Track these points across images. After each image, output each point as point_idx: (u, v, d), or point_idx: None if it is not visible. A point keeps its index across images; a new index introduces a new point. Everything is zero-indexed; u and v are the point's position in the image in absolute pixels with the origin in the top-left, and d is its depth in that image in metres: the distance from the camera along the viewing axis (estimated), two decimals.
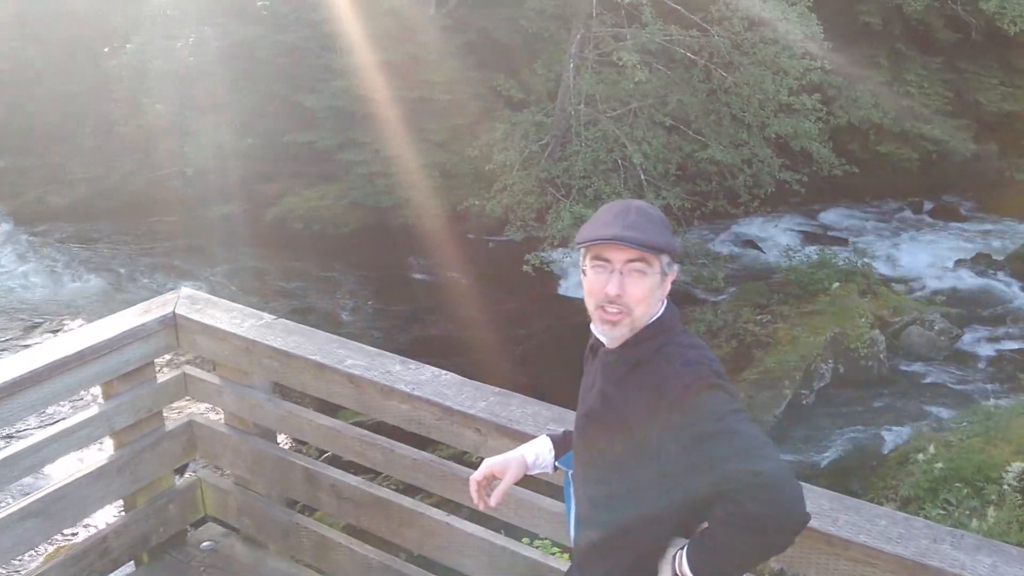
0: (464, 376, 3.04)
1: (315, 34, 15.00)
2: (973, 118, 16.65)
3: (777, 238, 15.66)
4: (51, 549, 5.59)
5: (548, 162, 13.61)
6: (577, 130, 13.25)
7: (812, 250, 13.92)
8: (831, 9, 14.03)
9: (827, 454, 10.38)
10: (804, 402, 11.09)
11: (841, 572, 2.25)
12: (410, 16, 14.90)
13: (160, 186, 15.54)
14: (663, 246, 2.08)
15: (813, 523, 2.19)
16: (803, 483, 2.30)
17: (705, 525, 2.07)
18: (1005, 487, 8.25)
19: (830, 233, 15.93)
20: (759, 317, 12.07)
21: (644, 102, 13.30)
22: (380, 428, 3.38)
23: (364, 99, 14.50)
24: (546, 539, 3.42)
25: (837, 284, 12.04)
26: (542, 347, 11.98)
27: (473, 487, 2.35)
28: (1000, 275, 14.16)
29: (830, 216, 16.62)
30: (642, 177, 13.00)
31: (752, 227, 16.01)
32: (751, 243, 15.60)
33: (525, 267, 12.46)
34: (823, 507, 2.30)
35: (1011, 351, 12.17)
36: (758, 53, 12.75)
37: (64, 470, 4.18)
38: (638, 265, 2.06)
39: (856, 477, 9.92)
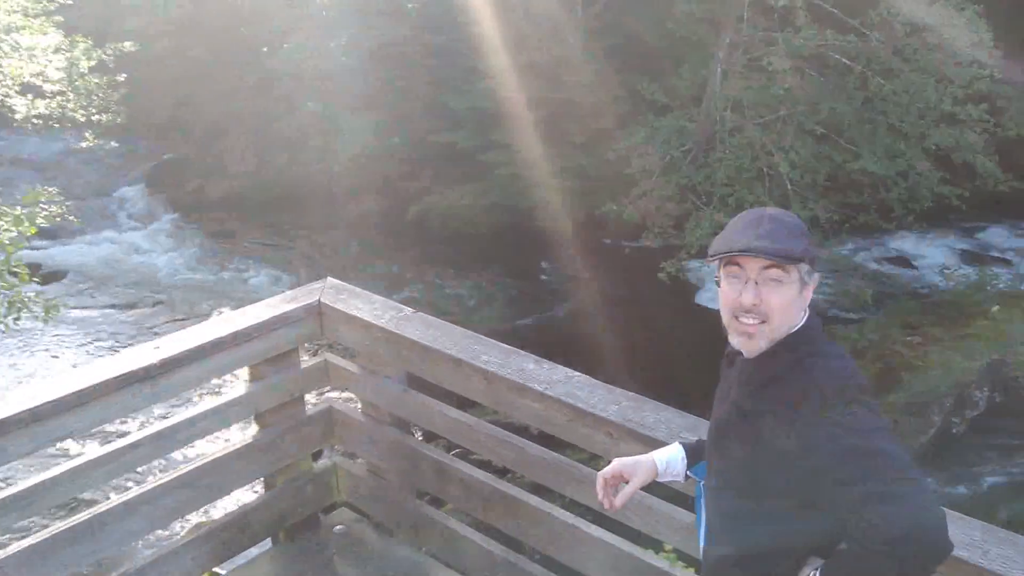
0: (597, 380, 3.01)
1: (463, 36, 15.29)
2: None
3: (933, 256, 14.84)
4: (196, 520, 5.92)
5: (689, 169, 13.39)
6: (721, 136, 12.99)
7: (971, 270, 13.14)
8: (1005, 14, 13.18)
9: (978, 488, 9.77)
10: (954, 431, 10.45)
11: None
12: (556, 18, 14.98)
13: (309, 181, 16.21)
14: (799, 254, 2.00)
15: (962, 553, 2.08)
16: (953, 511, 2.17)
17: (843, 546, 1.98)
18: None
19: (992, 253, 14.96)
20: (909, 338, 11.49)
21: (794, 109, 12.89)
22: (511, 427, 3.40)
23: (507, 101, 14.68)
24: (673, 549, 3.35)
25: (997, 307, 11.35)
26: (676, 355, 11.79)
27: (600, 484, 2.33)
28: None
29: (993, 234, 15.60)
30: (788, 187, 12.61)
31: (906, 243, 15.22)
32: (904, 260, 14.84)
33: (661, 275, 12.30)
34: (974, 538, 2.17)
35: None
36: (920, 59, 12.16)
37: (212, 447, 4.40)
38: (774, 273, 1.99)
39: (1010, 515, 9.29)
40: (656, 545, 3.13)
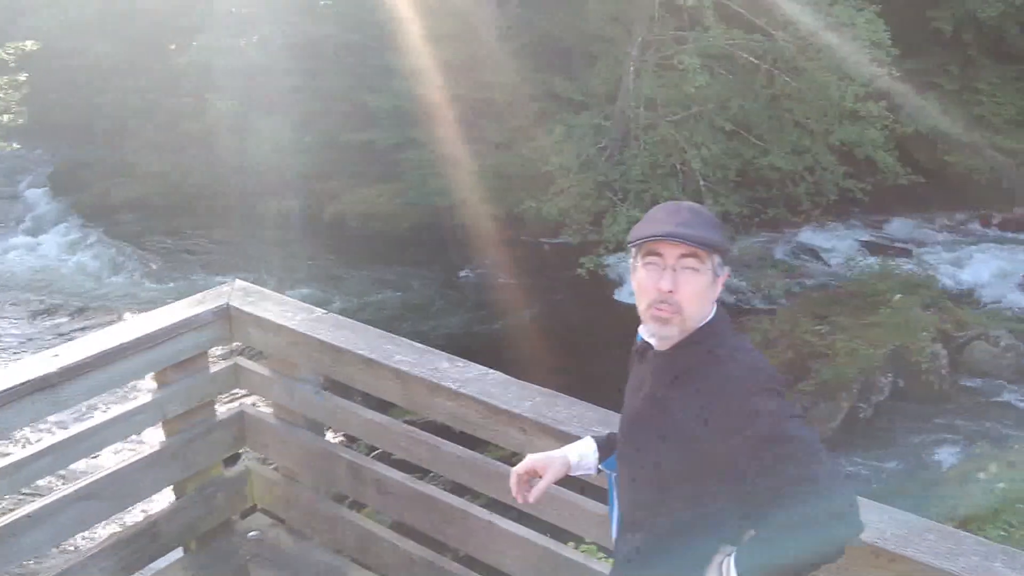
0: (512, 377, 3.03)
1: (380, 33, 15.16)
2: None
3: (838, 248, 15.34)
4: (104, 532, 5.74)
5: (606, 165, 13.56)
6: (636, 134, 13.19)
7: (874, 261, 13.62)
8: (901, 15, 13.72)
9: (884, 469, 10.15)
10: (862, 415, 10.85)
11: None
12: (471, 17, 14.98)
13: (220, 182, 15.86)
14: (716, 244, 2.06)
15: (861, 535, 2.14)
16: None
17: (756, 532, 2.03)
18: None
19: (894, 244, 15.55)
20: (817, 327, 11.84)
21: (705, 107, 13.17)
22: (428, 426, 3.40)
23: (423, 99, 14.62)
24: (592, 543, 3.39)
25: (899, 296, 11.77)
26: (593, 350, 11.93)
27: (513, 479, 2.35)
28: None
29: (894, 226, 16.23)
30: (701, 182, 12.88)
31: (813, 236, 15.71)
32: (812, 252, 15.31)
33: (580, 271, 12.42)
34: (872, 519, 2.24)
35: None
36: (824, 58, 12.53)
37: (119, 456, 4.27)
38: (691, 262, 2.04)
39: (913, 493, 9.68)
40: (574, 539, 3.17)
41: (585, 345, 12.34)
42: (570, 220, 13.38)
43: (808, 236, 15.69)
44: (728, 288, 14.86)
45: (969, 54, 16.18)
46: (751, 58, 13.04)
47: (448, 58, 14.43)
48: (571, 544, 3.20)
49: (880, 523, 2.26)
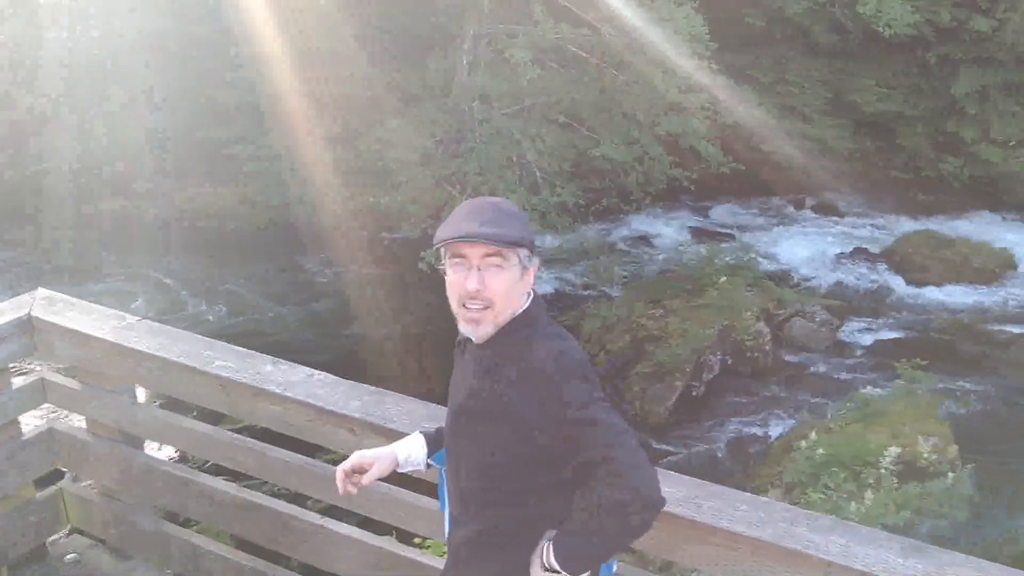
0: (348, 376, 2.99)
1: (226, 25, 14.45)
2: (851, 118, 17.37)
3: (669, 234, 16.00)
4: None
5: (444, 159, 13.55)
6: (471, 127, 13.24)
7: (702, 246, 14.28)
8: (717, 11, 14.39)
9: (717, 443, 10.67)
10: (695, 393, 11.36)
11: (706, 556, 2.30)
12: (322, 8, 14.55)
13: (37, 182, 14.76)
14: (518, 240, 2.09)
15: (678, 509, 2.24)
16: (669, 471, 2.36)
17: (572, 514, 2.10)
18: (882, 471, 8.65)
19: (719, 229, 16.37)
20: (652, 311, 12.29)
21: (538, 100, 13.38)
22: (255, 432, 3.28)
23: (272, 94, 14.12)
24: (427, 538, 3.39)
25: (724, 278, 12.36)
26: (431, 345, 11.92)
27: (339, 476, 2.33)
28: (877, 268, 14.84)
29: (718, 212, 17.09)
30: (537, 174, 13.08)
31: (646, 223, 16.32)
32: (645, 239, 15.90)
33: (421, 264, 12.37)
34: (689, 494, 2.34)
35: (887, 341, 12.76)
36: (648, 52, 12.97)
37: None
38: (495, 260, 2.07)
39: (744, 465, 10.23)
40: (408, 537, 3.16)
41: (423, 340, 12.32)
42: (410, 214, 13.30)
43: (641, 224, 16.29)
44: (567, 276, 15.13)
45: (780, 48, 17.21)
46: (580, 52, 13.34)
47: (298, 51, 13.94)
48: (407, 543, 3.18)
49: (697, 497, 2.36)
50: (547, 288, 13.65)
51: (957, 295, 13.97)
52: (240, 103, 14.43)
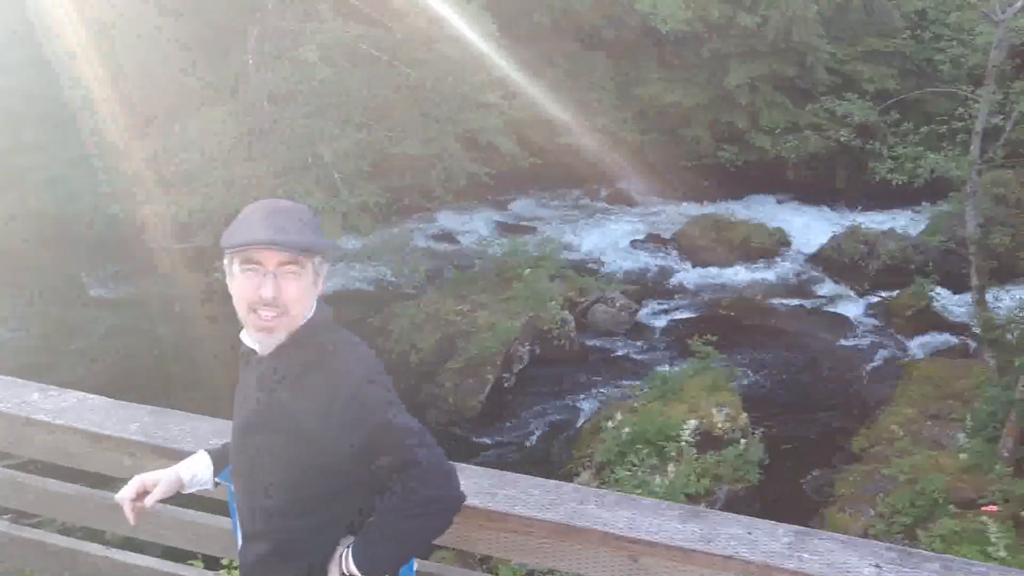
0: (130, 399, 2.84)
1: (20, 19, 13.11)
2: (638, 110, 18.27)
3: (473, 229, 16.23)
4: None
5: (236, 162, 13.02)
6: (263, 128, 12.82)
7: (505, 239, 14.57)
8: (508, 9, 14.70)
9: (530, 432, 10.94)
10: (506, 385, 11.61)
11: (505, 543, 2.35)
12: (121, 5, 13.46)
13: None
14: (316, 248, 2.07)
15: (473, 501, 2.28)
16: (464, 464, 2.39)
17: (372, 519, 2.09)
18: (683, 443, 9.19)
19: (522, 223, 16.79)
20: (460, 307, 12.43)
21: (331, 100, 13.14)
22: (30, 466, 3.04)
23: (40, 97, 12.97)
24: (222, 558, 3.27)
25: (528, 271, 12.67)
26: (225, 357, 11.42)
27: (127, 507, 2.23)
28: (668, 252, 15.73)
29: (519, 206, 17.53)
30: (336, 175, 12.85)
31: (450, 220, 16.48)
32: (450, 236, 16.04)
33: (217, 274, 11.84)
34: (483, 485, 2.38)
35: (681, 320, 13.55)
36: (443, 49, 13.03)
37: None
38: (292, 268, 2.03)
39: (559, 449, 10.56)
40: (203, 558, 3.04)
41: (216, 352, 11.79)
42: (204, 221, 12.70)
43: (445, 221, 16.44)
44: (372, 277, 14.93)
45: (569, 45, 17.84)
46: (372, 51, 13.22)
47: (69, 48, 12.87)
48: (198, 563, 3.06)
49: (492, 487, 2.41)
50: (353, 288, 13.51)
51: (740, 273, 15.06)
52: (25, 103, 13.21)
